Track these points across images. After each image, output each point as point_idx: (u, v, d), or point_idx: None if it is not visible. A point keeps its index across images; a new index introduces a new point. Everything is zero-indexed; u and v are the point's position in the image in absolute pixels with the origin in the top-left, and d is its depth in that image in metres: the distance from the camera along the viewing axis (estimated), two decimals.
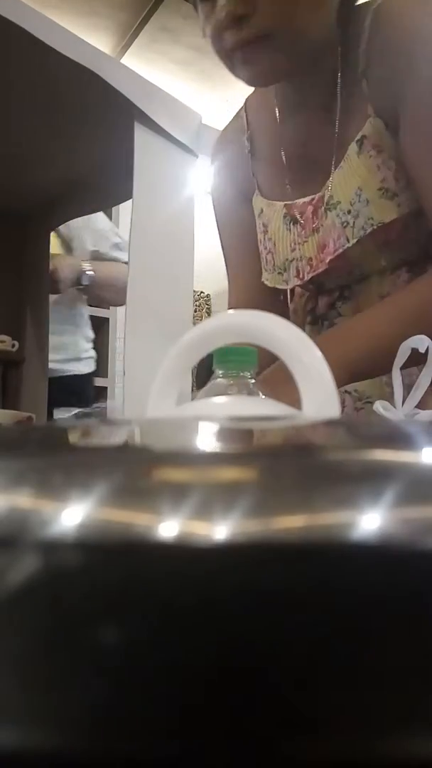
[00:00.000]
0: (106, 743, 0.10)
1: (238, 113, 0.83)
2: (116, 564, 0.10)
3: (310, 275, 0.74)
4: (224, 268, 0.87)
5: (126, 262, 1.64)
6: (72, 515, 0.11)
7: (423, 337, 0.45)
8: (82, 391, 1.67)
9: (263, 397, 0.37)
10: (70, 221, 1.58)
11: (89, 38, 1.06)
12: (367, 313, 0.68)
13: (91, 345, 1.73)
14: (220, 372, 0.38)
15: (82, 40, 1.02)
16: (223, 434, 0.20)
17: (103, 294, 1.69)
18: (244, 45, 0.61)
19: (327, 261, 0.71)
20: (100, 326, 2.46)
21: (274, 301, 0.80)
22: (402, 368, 0.47)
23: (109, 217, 2.62)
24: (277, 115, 0.75)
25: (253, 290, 0.82)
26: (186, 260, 1.17)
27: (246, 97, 0.83)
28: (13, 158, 1.32)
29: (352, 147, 0.67)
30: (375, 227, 0.67)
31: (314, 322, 0.80)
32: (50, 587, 0.10)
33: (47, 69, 1.01)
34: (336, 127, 0.69)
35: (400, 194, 0.66)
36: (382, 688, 0.10)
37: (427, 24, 0.61)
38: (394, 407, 0.47)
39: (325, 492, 0.12)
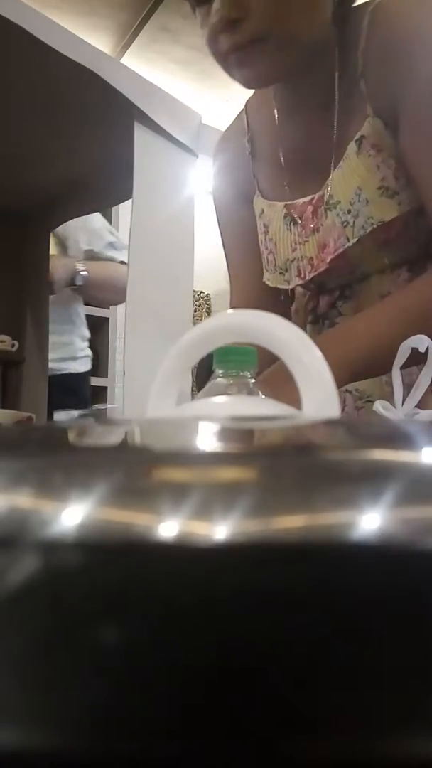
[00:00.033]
0: (106, 743, 0.10)
1: (239, 115, 0.84)
2: (116, 564, 0.10)
3: (312, 275, 0.74)
4: (224, 268, 0.88)
5: (121, 261, 1.65)
6: (72, 515, 0.11)
7: (423, 336, 0.45)
8: (78, 390, 1.68)
9: (263, 397, 0.37)
10: None
11: (89, 38, 1.06)
12: (367, 313, 0.68)
13: (87, 344, 1.73)
14: (220, 372, 0.38)
15: (82, 40, 1.02)
16: (223, 434, 0.20)
17: (98, 294, 1.70)
18: (238, 48, 0.62)
19: (328, 260, 0.71)
20: (100, 326, 2.47)
21: (275, 301, 0.80)
22: (402, 367, 0.47)
23: (109, 217, 2.62)
24: (276, 116, 0.76)
25: (254, 290, 0.82)
26: (186, 260, 1.17)
27: (246, 97, 0.83)
28: (13, 158, 1.32)
29: (351, 147, 0.67)
30: (375, 226, 0.67)
31: (315, 322, 0.80)
32: (50, 587, 0.10)
33: (47, 69, 1.01)
34: (335, 127, 0.69)
35: (400, 192, 0.66)
36: (382, 688, 0.10)
37: (424, 23, 0.62)
38: (394, 407, 0.47)
39: (325, 492, 0.12)
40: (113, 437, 0.20)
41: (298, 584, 0.10)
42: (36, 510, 0.12)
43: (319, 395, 0.32)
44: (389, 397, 0.49)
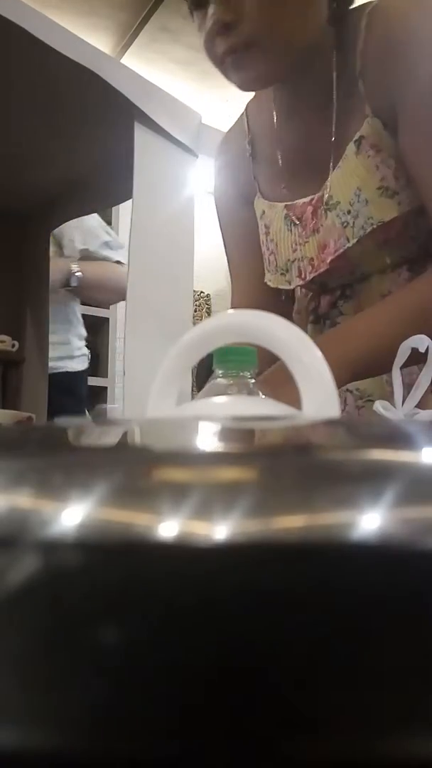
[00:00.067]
0: (106, 743, 0.10)
1: (239, 117, 0.84)
2: (116, 564, 0.10)
3: (312, 275, 0.75)
4: (224, 268, 0.88)
5: (116, 261, 1.65)
6: (72, 515, 0.11)
7: (423, 336, 0.45)
8: (75, 389, 1.68)
9: (263, 397, 0.37)
10: None
11: (89, 38, 1.07)
12: (367, 313, 0.68)
13: (84, 343, 1.74)
14: (220, 372, 0.38)
15: (82, 40, 1.02)
16: (223, 434, 0.20)
17: (93, 294, 1.71)
18: (233, 51, 0.63)
19: (328, 261, 0.72)
20: (100, 326, 2.47)
21: (276, 302, 0.81)
22: (402, 367, 0.47)
23: (109, 217, 2.62)
24: (275, 117, 0.76)
25: (255, 290, 0.83)
26: (186, 260, 1.17)
27: (246, 97, 0.83)
28: (13, 158, 1.33)
29: (350, 147, 0.67)
30: (375, 226, 0.67)
31: (316, 321, 0.80)
32: (50, 587, 0.10)
33: (47, 69, 1.01)
34: (333, 128, 0.69)
35: (400, 192, 0.66)
36: (382, 688, 0.10)
37: (422, 25, 0.62)
38: (395, 407, 0.47)
39: (325, 492, 0.12)
40: (113, 437, 0.20)
41: (298, 584, 0.10)
42: (36, 510, 0.12)
43: (319, 395, 0.32)
44: (390, 397, 0.49)
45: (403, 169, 0.66)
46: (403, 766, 0.10)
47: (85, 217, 1.62)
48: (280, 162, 0.76)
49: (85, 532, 0.11)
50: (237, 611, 0.10)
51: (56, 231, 1.62)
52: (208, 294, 3.45)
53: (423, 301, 0.64)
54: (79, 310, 1.73)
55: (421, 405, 0.46)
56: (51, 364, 1.59)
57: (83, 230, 1.64)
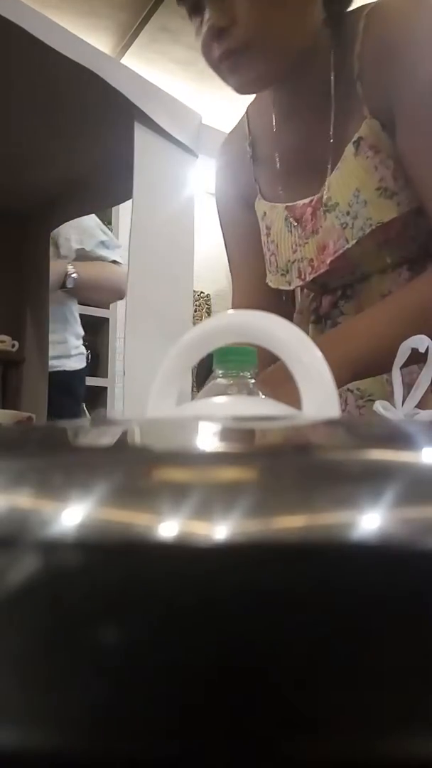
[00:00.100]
0: (106, 743, 0.10)
1: (240, 119, 0.85)
2: (116, 564, 0.10)
3: (312, 276, 0.75)
4: (224, 268, 0.88)
5: (113, 261, 1.65)
6: (72, 515, 0.11)
7: (423, 336, 0.45)
8: (72, 387, 1.69)
9: (263, 397, 0.37)
10: None
11: (89, 38, 1.06)
12: (367, 313, 0.68)
13: (81, 342, 1.74)
14: (220, 372, 0.38)
15: (82, 40, 1.02)
16: (223, 434, 0.20)
17: (89, 295, 1.72)
18: (229, 56, 0.64)
19: (327, 262, 0.72)
20: (100, 326, 2.47)
21: (277, 302, 0.81)
22: (402, 367, 0.47)
23: (109, 217, 2.62)
24: (274, 120, 0.76)
25: (255, 291, 0.83)
26: (186, 260, 1.17)
27: (245, 98, 0.84)
28: (13, 158, 1.32)
29: (349, 148, 0.68)
30: (374, 227, 0.67)
31: (318, 321, 0.81)
32: (50, 587, 0.10)
33: (47, 69, 1.01)
34: (332, 129, 0.70)
35: (399, 193, 0.66)
36: (382, 688, 0.10)
37: (419, 26, 0.62)
38: (395, 406, 0.47)
39: (325, 492, 0.12)
40: (113, 437, 0.20)
41: (298, 584, 0.10)
42: (36, 510, 0.12)
43: (319, 395, 0.32)
44: (390, 396, 0.49)
45: (401, 169, 0.66)
46: (403, 766, 0.10)
47: (82, 216, 1.63)
48: (278, 164, 0.77)
49: (85, 532, 0.11)
50: (237, 611, 0.10)
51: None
52: (208, 294, 3.45)
53: (423, 300, 0.64)
54: (76, 309, 1.73)
55: (421, 405, 0.46)
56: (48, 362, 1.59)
57: (79, 229, 1.64)
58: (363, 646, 0.10)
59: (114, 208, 2.51)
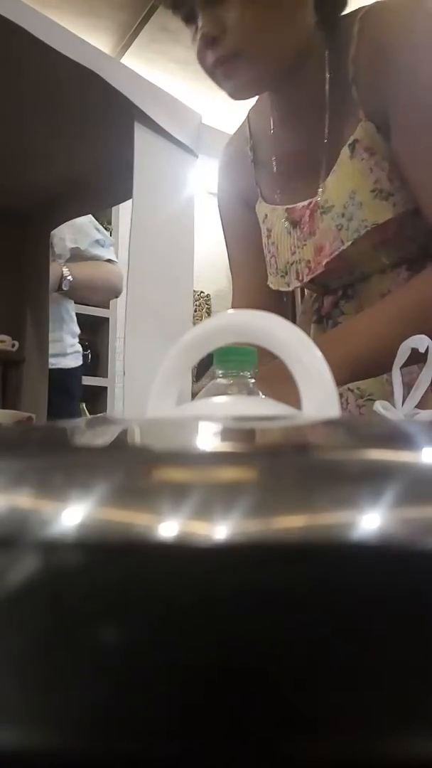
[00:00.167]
0: (106, 743, 0.10)
1: (242, 123, 0.86)
2: (116, 564, 0.10)
3: (309, 277, 0.76)
4: (224, 268, 0.89)
5: (107, 260, 1.66)
6: (72, 515, 0.11)
7: (423, 336, 0.45)
8: (68, 385, 1.69)
9: (263, 396, 0.37)
10: None
11: (89, 38, 1.06)
12: (367, 312, 0.68)
13: (77, 340, 1.75)
14: (220, 372, 0.38)
15: (82, 40, 1.02)
16: (223, 434, 0.20)
17: (85, 295, 1.72)
18: (221, 63, 0.65)
19: (323, 263, 0.73)
20: (100, 326, 2.47)
21: (277, 302, 0.82)
22: (402, 367, 0.47)
23: (109, 216, 2.62)
24: (272, 123, 0.77)
25: (256, 291, 0.84)
26: (186, 260, 1.17)
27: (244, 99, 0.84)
28: (13, 158, 1.33)
29: (345, 151, 0.68)
30: (369, 228, 0.68)
31: (319, 321, 0.81)
32: (50, 587, 0.10)
33: (47, 69, 1.01)
34: (327, 132, 0.70)
35: (395, 194, 0.67)
36: (382, 688, 0.10)
37: (414, 29, 0.63)
38: (395, 406, 0.47)
39: (325, 492, 0.12)
40: (113, 437, 0.20)
41: (298, 584, 0.10)
42: (36, 510, 0.12)
43: (319, 395, 0.32)
44: (390, 396, 0.49)
45: (397, 171, 0.66)
46: (403, 766, 0.10)
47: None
48: (275, 167, 0.78)
49: (85, 532, 0.11)
50: (237, 611, 0.10)
51: None
52: (208, 294, 3.45)
53: (422, 299, 0.64)
54: (72, 308, 1.74)
55: (421, 405, 0.46)
56: None
57: (74, 228, 1.64)
58: (363, 646, 0.10)
59: (114, 208, 2.51)
